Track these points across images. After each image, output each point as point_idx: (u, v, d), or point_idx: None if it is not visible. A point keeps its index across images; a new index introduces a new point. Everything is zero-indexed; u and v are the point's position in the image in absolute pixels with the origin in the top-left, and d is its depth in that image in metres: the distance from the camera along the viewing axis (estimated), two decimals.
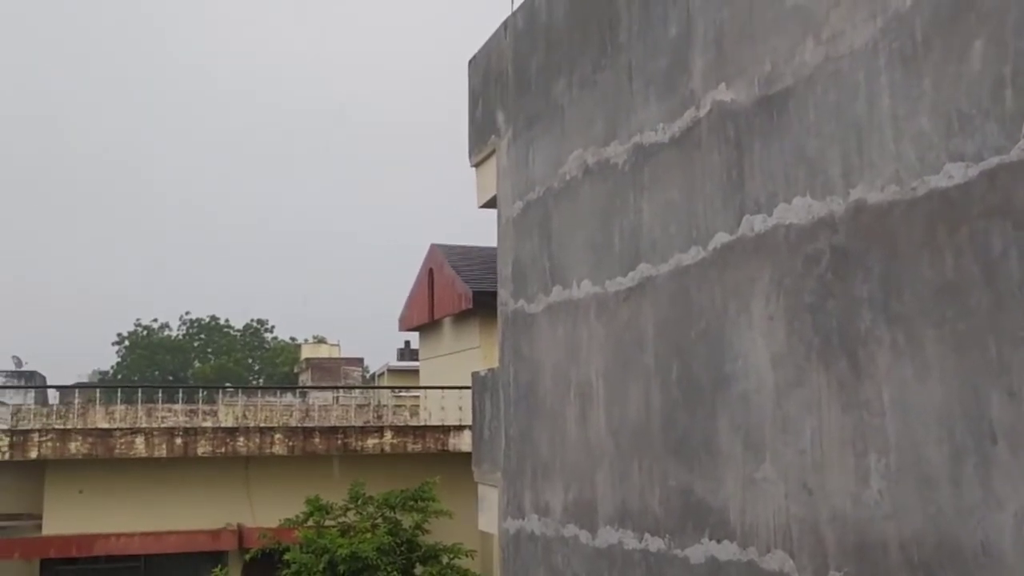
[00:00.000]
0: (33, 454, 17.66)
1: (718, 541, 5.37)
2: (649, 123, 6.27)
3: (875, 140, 4.31)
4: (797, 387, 4.76)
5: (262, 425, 19.76)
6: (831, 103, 4.59)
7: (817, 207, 4.64)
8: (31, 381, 36.29)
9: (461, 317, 22.07)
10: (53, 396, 30.49)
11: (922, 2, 4.06)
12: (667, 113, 6.07)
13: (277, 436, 18.88)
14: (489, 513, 9.13)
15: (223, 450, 18.50)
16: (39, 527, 18.90)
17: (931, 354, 3.97)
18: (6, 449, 17.47)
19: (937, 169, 3.96)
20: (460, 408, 19.33)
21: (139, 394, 22.12)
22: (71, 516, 18.66)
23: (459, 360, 21.33)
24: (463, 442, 18.47)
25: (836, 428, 4.48)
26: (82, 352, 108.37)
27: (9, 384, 30.67)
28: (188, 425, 19.42)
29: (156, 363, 70.55)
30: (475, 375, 9.87)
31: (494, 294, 9.15)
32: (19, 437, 17.73)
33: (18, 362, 42.73)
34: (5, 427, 18.44)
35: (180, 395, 24.01)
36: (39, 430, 18.28)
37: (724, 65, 5.51)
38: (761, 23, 5.20)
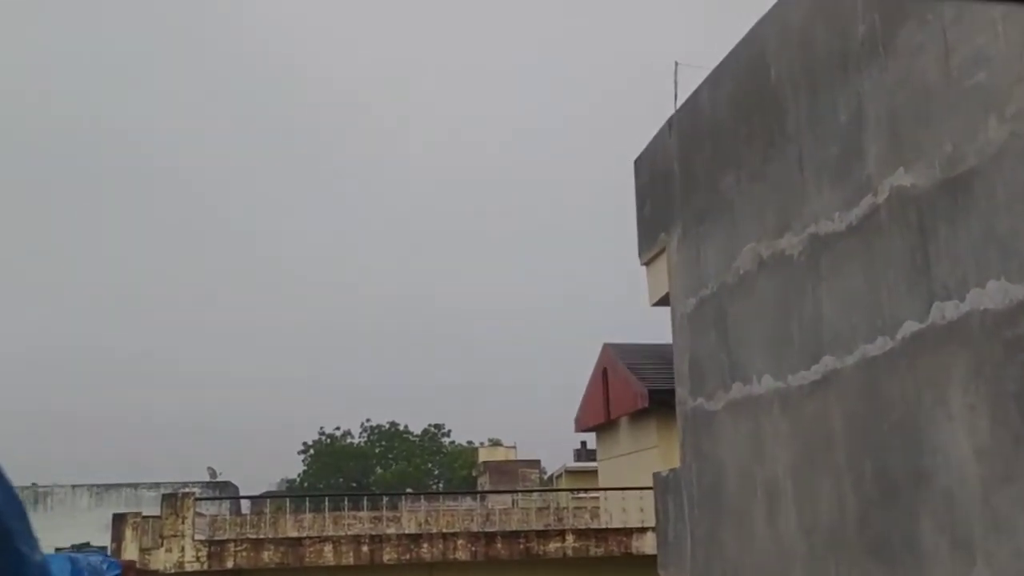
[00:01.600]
0: (229, 564, 18.27)
1: None
2: (824, 212, 6.14)
3: None
4: (1006, 481, 4.47)
5: (445, 531, 19.90)
6: (1021, 181, 4.39)
7: (1015, 290, 4.41)
8: (225, 491, 37.82)
9: (637, 416, 21.81)
10: (246, 505, 31.65)
11: None
12: (843, 201, 5.94)
13: (460, 541, 18.95)
14: None
15: (407, 556, 18.68)
16: None
17: None
18: (204, 559, 18.15)
19: None
20: (642, 509, 18.97)
21: (326, 502, 22.70)
22: None
23: (637, 460, 21.02)
24: (647, 544, 18.07)
25: None
26: (272, 461, 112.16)
27: (205, 495, 31.96)
28: (373, 532, 19.74)
29: (340, 470, 72.26)
30: (656, 476, 9.70)
31: (670, 392, 9.03)
32: (216, 547, 18.41)
33: (213, 473, 44.63)
34: (203, 538, 19.18)
35: (365, 502, 24.51)
36: (234, 540, 18.95)
37: (901, 149, 5.37)
38: (938, 104, 5.06)
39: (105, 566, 6.15)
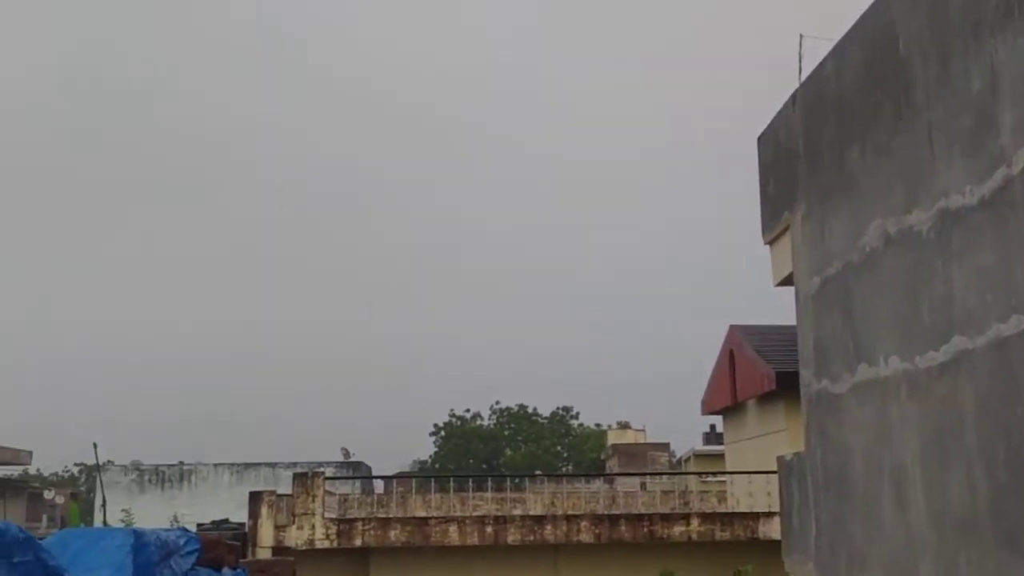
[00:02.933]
0: (357, 542, 18.71)
1: None
2: (955, 186, 5.86)
3: None
4: None
5: (569, 513, 19.94)
6: None
7: None
8: (358, 471, 38.78)
9: (765, 399, 21.41)
10: (379, 486, 32.36)
11: None
12: (974, 174, 5.65)
13: (584, 523, 18.96)
14: None
15: (532, 538, 18.79)
16: None
17: None
18: (334, 537, 18.63)
19: None
20: (769, 494, 18.62)
21: (451, 483, 23.01)
22: None
23: (765, 443, 20.63)
24: (774, 529, 17.72)
25: None
26: (405, 443, 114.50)
27: (338, 475, 32.81)
28: (498, 513, 19.92)
29: (470, 452, 73.13)
30: (780, 459, 9.47)
31: (798, 374, 8.79)
32: (345, 525, 18.87)
33: (346, 453, 45.90)
34: (333, 516, 19.68)
35: (490, 483, 24.73)
36: (363, 519, 19.39)
37: None
38: None
39: (183, 541, 6.23)
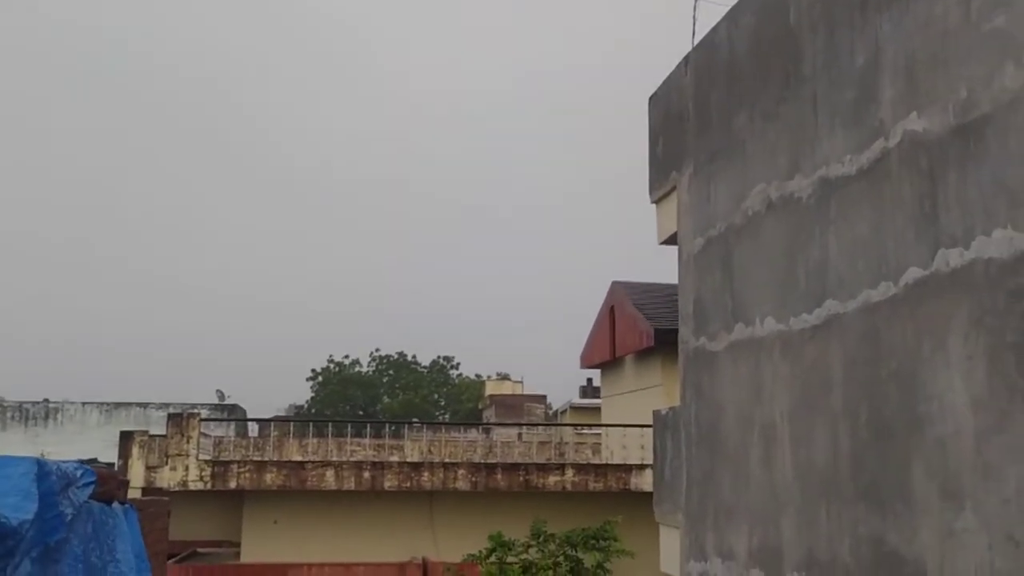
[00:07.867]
0: (232, 484, 18.55)
1: None
2: (835, 155, 6.07)
3: None
4: (1000, 432, 4.46)
5: (446, 460, 20.12)
6: None
7: (1020, 240, 4.36)
8: (232, 414, 38.24)
9: (643, 355, 21.89)
10: (253, 428, 32.00)
11: None
12: (854, 144, 5.86)
13: (460, 472, 19.18)
14: (671, 555, 8.94)
15: (408, 484, 18.93)
16: (238, 555, 19.79)
17: None
18: (208, 479, 18.42)
19: None
20: (642, 447, 19.14)
21: (329, 428, 22.93)
22: (267, 545, 19.47)
23: (641, 398, 21.14)
24: (645, 481, 18.26)
25: None
26: (281, 387, 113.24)
27: (212, 417, 32.30)
28: (375, 459, 19.98)
29: (347, 398, 72.82)
30: (656, 414, 9.74)
31: (676, 332, 9.02)
32: (220, 468, 18.67)
33: (221, 395, 45.14)
34: (207, 458, 19.44)
35: (368, 430, 24.73)
36: (238, 461, 19.21)
37: (915, 93, 5.28)
38: (955, 49, 4.96)
39: (79, 473, 6.15)
